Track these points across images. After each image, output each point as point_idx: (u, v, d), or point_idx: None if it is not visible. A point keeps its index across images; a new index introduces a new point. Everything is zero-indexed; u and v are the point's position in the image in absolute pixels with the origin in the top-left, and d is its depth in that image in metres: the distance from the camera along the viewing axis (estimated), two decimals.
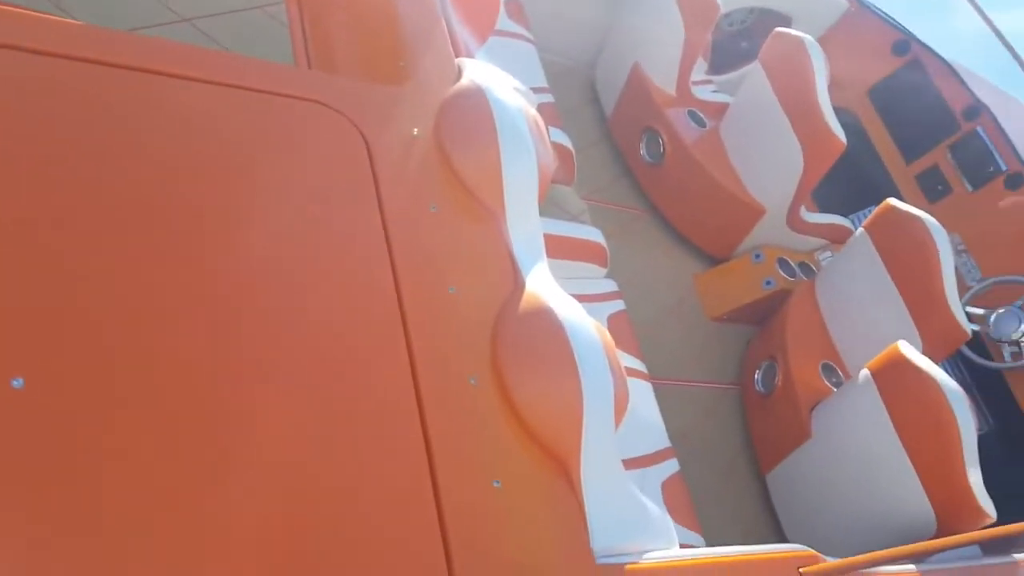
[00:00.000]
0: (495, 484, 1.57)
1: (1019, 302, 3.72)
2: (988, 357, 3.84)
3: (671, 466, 2.80)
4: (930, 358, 2.79)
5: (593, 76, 4.50)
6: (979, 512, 2.53)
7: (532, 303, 1.78)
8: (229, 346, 1.45)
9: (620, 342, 2.92)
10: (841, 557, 1.98)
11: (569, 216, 3.36)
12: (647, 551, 1.69)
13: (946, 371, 4.16)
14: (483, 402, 1.65)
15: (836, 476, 2.93)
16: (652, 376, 3.31)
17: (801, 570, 1.82)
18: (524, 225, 2.00)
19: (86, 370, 1.27)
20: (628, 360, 2.92)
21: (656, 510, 1.81)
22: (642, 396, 2.88)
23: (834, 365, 3.37)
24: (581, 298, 2.94)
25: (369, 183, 1.80)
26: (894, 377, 2.66)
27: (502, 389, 1.67)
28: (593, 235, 3.00)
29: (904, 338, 3.01)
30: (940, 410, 2.48)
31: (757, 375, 3.47)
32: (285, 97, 1.79)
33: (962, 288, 4.04)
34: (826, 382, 3.29)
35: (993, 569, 2.40)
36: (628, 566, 1.62)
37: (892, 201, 3.30)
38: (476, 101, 2.03)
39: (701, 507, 3.04)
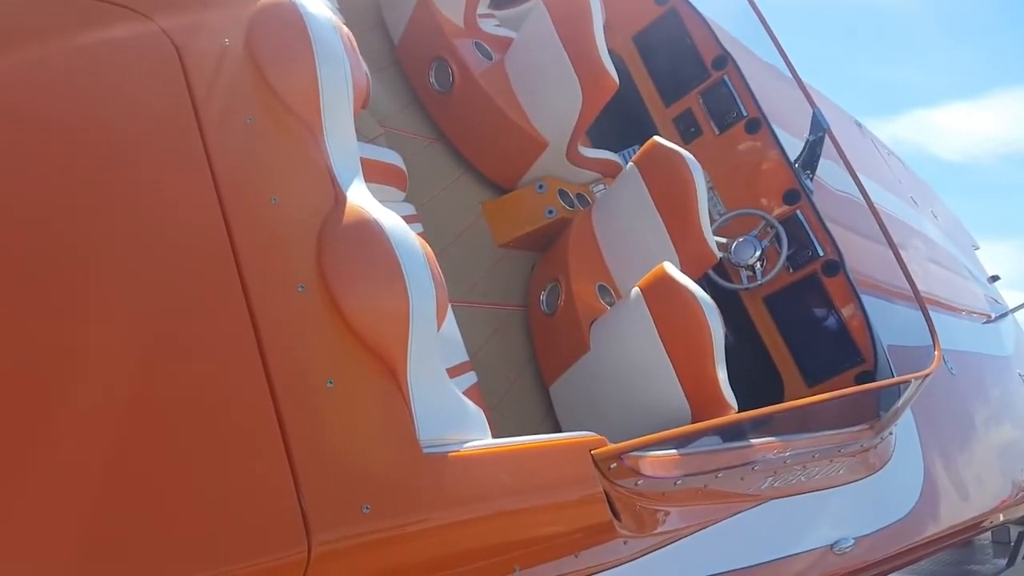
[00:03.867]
0: (328, 384, 1.65)
1: (754, 232, 4.30)
2: (729, 280, 4.41)
3: (470, 378, 3.00)
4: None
5: (378, 1, 4.48)
6: (724, 404, 2.99)
7: (356, 215, 1.84)
8: (49, 268, 1.40)
9: None
10: None
11: (366, 140, 3.38)
12: (467, 441, 1.86)
13: None
14: (313, 308, 1.71)
15: (610, 382, 3.29)
16: (455, 299, 3.49)
17: (592, 452, 2.08)
18: (341, 141, 2.04)
19: None
20: None
21: (472, 405, 1.98)
22: (451, 317, 3.04)
23: (607, 286, 3.74)
24: None
25: (184, 93, 1.75)
26: (660, 292, 3.04)
27: (330, 297, 1.74)
28: (393, 158, 3.06)
29: (666, 261, 3.41)
30: (697, 319, 2.88)
31: (542, 296, 3.76)
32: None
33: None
34: (601, 301, 3.65)
35: (734, 453, 2.86)
36: (451, 454, 1.78)
37: (658, 139, 3.68)
38: (289, 15, 2.02)
39: (490, 417, 3.29)
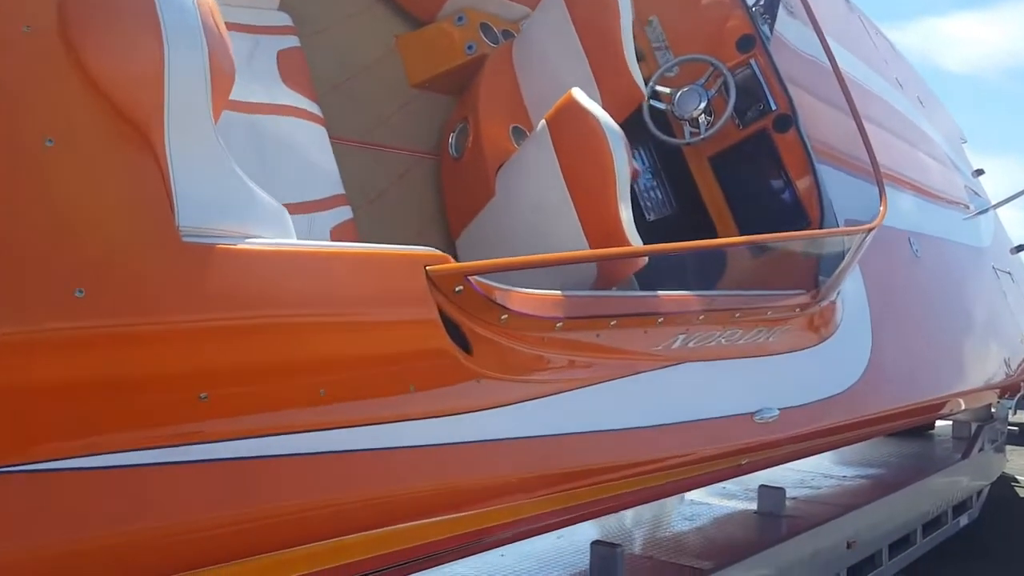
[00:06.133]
0: (47, 143, 1.30)
1: (701, 81, 3.88)
2: (672, 135, 4.02)
3: (343, 213, 2.65)
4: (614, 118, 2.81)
5: None
6: (628, 246, 2.65)
7: None
8: None
9: (290, 79, 2.66)
10: None
11: None
12: (252, 237, 1.52)
13: (638, 157, 4.35)
14: (39, 53, 1.35)
15: (513, 229, 2.95)
16: (344, 136, 3.14)
17: (428, 268, 1.75)
18: None
19: None
20: (299, 100, 2.67)
21: (272, 202, 1.63)
22: (313, 140, 2.67)
23: (524, 128, 3.36)
24: (241, 28, 2.61)
25: None
26: (564, 120, 2.66)
27: (66, 42, 1.37)
28: None
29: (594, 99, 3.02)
30: (597, 145, 2.50)
31: (451, 138, 3.38)
32: None
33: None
34: (514, 144, 3.27)
35: (632, 299, 2.55)
36: (222, 247, 1.45)
37: None
38: None
39: None
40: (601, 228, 2.55)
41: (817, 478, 5.49)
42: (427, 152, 3.54)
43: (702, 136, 3.83)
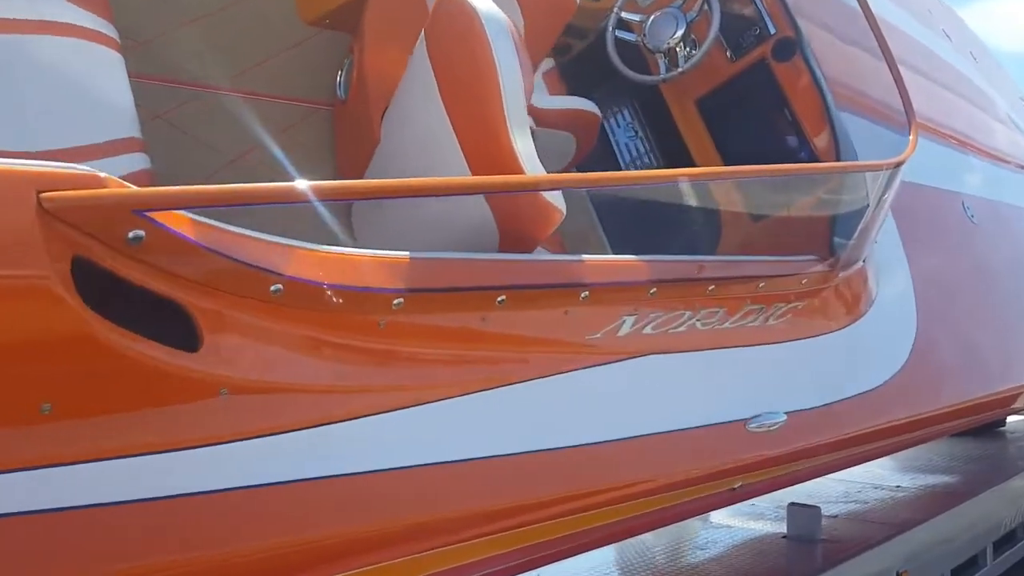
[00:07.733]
0: None
1: (678, 2, 3.09)
2: (646, 71, 3.23)
3: (137, 161, 1.94)
4: (540, 36, 2.06)
5: None
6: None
7: None
8: None
9: None
10: None
11: None
12: None
13: (625, 126, 3.58)
14: None
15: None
16: (201, 82, 2.47)
17: (42, 194, 1.01)
18: None
19: None
20: (82, 17, 1.97)
21: None
22: (100, 68, 1.96)
23: None
24: None
25: None
26: (438, 20, 1.90)
27: None
28: None
29: (509, 14, 2.26)
30: (476, 46, 1.73)
31: (340, 77, 2.65)
32: None
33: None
34: None
35: (533, 264, 1.77)
36: None
37: None
38: None
39: None
40: (486, 161, 1.78)
41: (865, 490, 4.65)
42: (324, 103, 2.82)
43: (681, 70, 3.02)
